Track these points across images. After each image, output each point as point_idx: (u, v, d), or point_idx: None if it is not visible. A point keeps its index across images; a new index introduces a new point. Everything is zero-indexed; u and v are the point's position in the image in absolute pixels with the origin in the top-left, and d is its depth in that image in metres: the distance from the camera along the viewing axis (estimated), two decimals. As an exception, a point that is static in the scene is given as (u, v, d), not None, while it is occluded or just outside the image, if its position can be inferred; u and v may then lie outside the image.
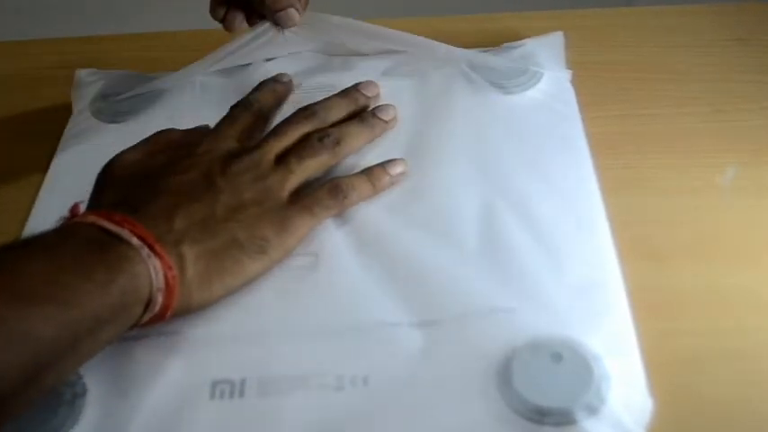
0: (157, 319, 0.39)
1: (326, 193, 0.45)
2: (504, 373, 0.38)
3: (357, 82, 0.52)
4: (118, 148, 0.49)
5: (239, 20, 0.55)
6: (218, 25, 0.57)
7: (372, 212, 0.46)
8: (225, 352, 0.40)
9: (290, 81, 0.54)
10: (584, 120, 0.51)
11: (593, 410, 0.36)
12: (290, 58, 0.56)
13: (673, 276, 0.44)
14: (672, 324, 0.42)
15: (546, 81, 0.53)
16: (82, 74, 0.57)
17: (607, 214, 0.45)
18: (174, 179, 0.43)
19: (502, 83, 0.52)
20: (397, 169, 0.47)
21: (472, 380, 0.38)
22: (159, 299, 0.38)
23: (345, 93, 0.51)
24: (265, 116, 0.51)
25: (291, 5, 0.54)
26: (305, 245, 0.44)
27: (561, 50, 0.55)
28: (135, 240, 0.38)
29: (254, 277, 0.42)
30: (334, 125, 0.49)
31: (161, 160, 0.45)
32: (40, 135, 0.55)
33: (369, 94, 0.52)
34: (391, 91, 0.53)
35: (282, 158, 0.46)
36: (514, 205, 0.45)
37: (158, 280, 0.38)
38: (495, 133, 0.50)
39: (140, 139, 0.48)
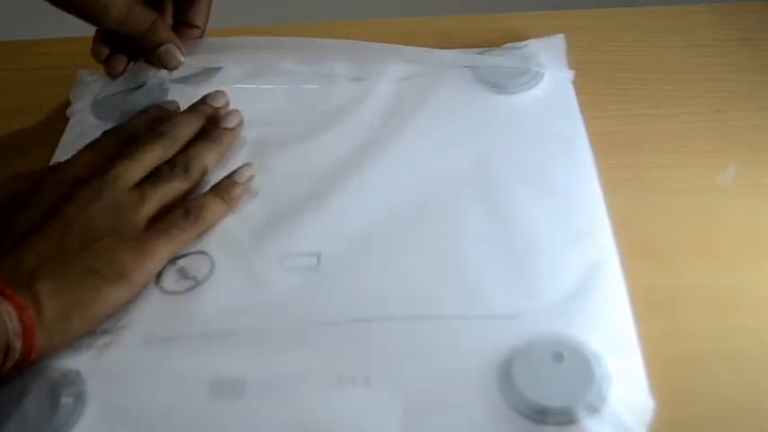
0: (22, 363, 0.38)
1: (180, 216, 0.45)
2: (506, 373, 0.38)
3: (205, 94, 0.52)
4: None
5: (122, 64, 0.55)
6: (218, 24, 0.57)
7: (374, 213, 0.46)
8: (225, 351, 0.40)
9: (178, 107, 0.53)
10: (584, 120, 0.51)
11: (594, 410, 0.36)
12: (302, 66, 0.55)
13: (673, 276, 0.44)
14: (671, 324, 0.42)
15: (547, 81, 0.53)
16: (83, 74, 0.57)
17: (608, 214, 0.45)
18: (18, 219, 0.42)
19: (503, 83, 0.53)
20: (245, 175, 0.48)
21: (473, 379, 0.38)
22: (18, 344, 0.38)
23: (193, 108, 0.51)
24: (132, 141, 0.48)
25: (168, 41, 0.53)
26: (307, 244, 0.44)
27: (563, 52, 0.55)
28: None
29: (118, 305, 0.41)
30: (188, 144, 0.49)
31: (2, 204, 0.44)
32: (41, 135, 0.55)
33: (216, 105, 0.51)
34: (392, 91, 0.53)
35: (137, 186, 0.45)
36: (516, 204, 0.46)
37: (14, 325, 0.37)
38: (496, 133, 0.50)
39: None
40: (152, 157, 0.47)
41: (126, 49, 0.55)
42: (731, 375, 0.40)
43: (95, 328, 0.41)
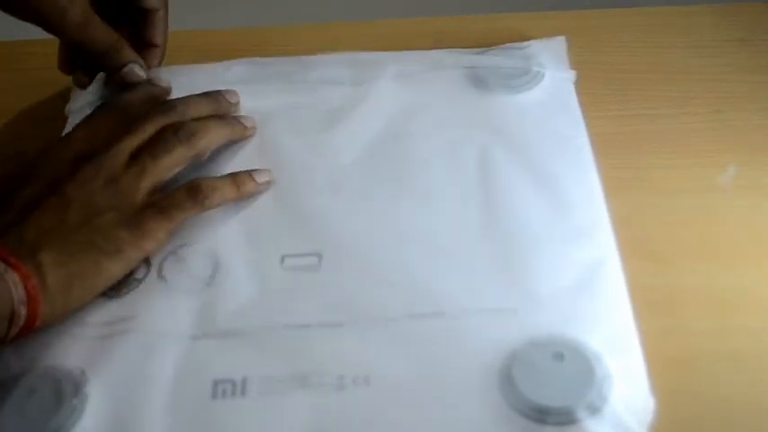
0: (26, 330, 0.39)
1: (185, 193, 0.45)
2: (506, 373, 0.38)
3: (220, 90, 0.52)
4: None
5: (86, 82, 0.54)
6: (218, 24, 0.57)
7: (375, 212, 0.46)
8: (226, 351, 0.40)
9: (169, 86, 0.53)
10: (585, 120, 0.51)
11: (594, 410, 0.36)
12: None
13: (673, 276, 0.44)
14: (671, 324, 0.42)
15: (548, 81, 0.53)
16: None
17: (608, 214, 0.45)
18: (19, 195, 0.43)
19: (504, 83, 0.53)
20: (263, 178, 0.47)
21: (474, 379, 0.38)
22: (23, 311, 0.38)
23: (207, 94, 0.51)
24: (133, 116, 0.48)
25: (131, 60, 0.52)
26: (308, 244, 0.44)
27: (564, 53, 0.55)
28: None
29: (115, 278, 0.42)
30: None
31: (3, 181, 0.44)
32: (39, 135, 0.55)
33: (231, 101, 0.51)
34: (392, 92, 0.53)
35: (136, 156, 0.45)
36: (516, 204, 0.46)
37: (19, 293, 0.38)
38: (496, 133, 0.50)
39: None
40: (157, 129, 0.47)
41: (89, 70, 0.54)
42: (731, 375, 0.40)
43: (93, 319, 0.41)
